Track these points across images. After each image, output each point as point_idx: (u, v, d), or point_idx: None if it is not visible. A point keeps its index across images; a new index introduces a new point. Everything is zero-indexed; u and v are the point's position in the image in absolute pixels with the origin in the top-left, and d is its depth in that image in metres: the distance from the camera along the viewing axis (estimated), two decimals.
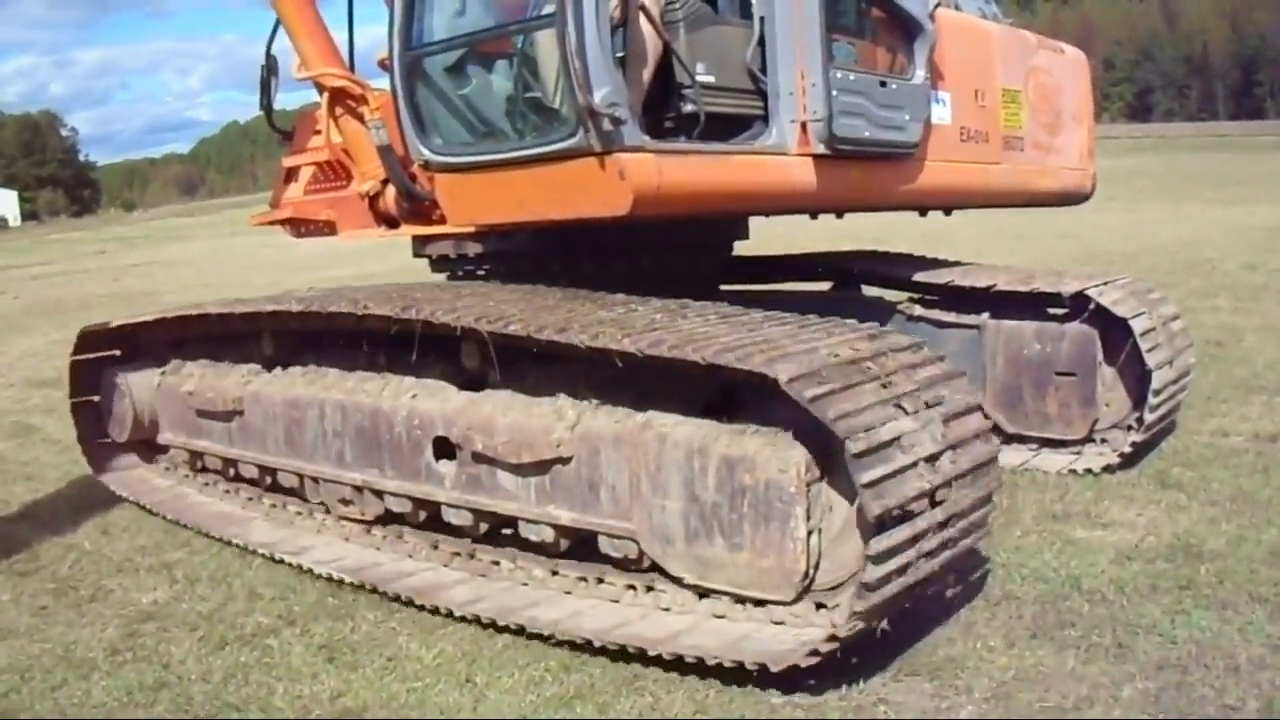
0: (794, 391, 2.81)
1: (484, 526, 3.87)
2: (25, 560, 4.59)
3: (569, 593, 3.62)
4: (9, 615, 3.99)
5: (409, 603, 3.76)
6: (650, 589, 3.44)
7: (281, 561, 4.27)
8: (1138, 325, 4.73)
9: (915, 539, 2.89)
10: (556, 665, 3.27)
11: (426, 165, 4.24)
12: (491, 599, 3.65)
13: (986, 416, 3.33)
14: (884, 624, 2.98)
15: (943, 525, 2.99)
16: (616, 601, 3.50)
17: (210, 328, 4.99)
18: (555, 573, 3.71)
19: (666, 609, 3.35)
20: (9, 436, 7.22)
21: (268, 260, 21.99)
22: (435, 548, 4.08)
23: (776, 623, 3.11)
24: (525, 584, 3.75)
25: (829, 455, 3.01)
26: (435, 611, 3.68)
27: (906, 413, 2.98)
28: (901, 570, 2.87)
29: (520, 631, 3.46)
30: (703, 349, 3.01)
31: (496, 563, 3.88)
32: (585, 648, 3.31)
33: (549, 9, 3.51)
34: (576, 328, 3.31)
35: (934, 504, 2.96)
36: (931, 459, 2.96)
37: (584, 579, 3.63)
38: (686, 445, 3.20)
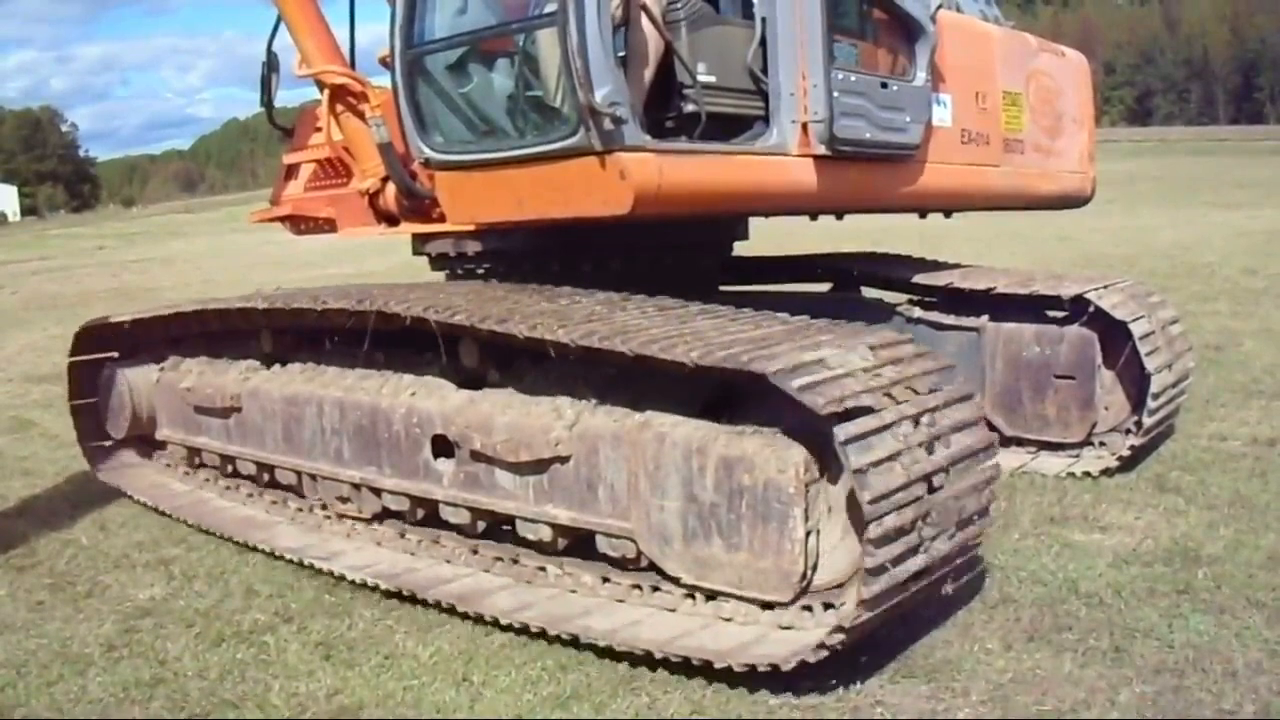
0: (708, 362, 2.95)
1: (482, 525, 3.86)
2: (22, 555, 4.58)
3: (621, 601, 3.48)
4: (5, 610, 3.99)
5: (450, 610, 3.63)
6: (711, 598, 3.26)
7: (311, 567, 4.14)
8: (1137, 329, 4.73)
9: (888, 426, 2.88)
10: (553, 664, 3.27)
11: (427, 163, 4.24)
12: (539, 607, 3.51)
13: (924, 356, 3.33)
14: (923, 527, 2.89)
15: (917, 420, 2.99)
16: (673, 611, 3.35)
17: (189, 325, 5.06)
18: (606, 580, 3.56)
19: (729, 619, 3.21)
20: (7, 431, 7.21)
21: (268, 257, 21.98)
22: (475, 553, 3.92)
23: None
24: (574, 591, 3.60)
25: (828, 457, 3.01)
26: (479, 619, 3.54)
27: (825, 346, 3.07)
28: (893, 456, 2.83)
29: (519, 629, 3.46)
30: (630, 340, 3.15)
31: (542, 569, 3.73)
32: (582, 646, 3.30)
33: (550, 8, 3.51)
34: (517, 318, 3.45)
35: (896, 400, 2.98)
36: (869, 370, 3.01)
37: (638, 587, 3.46)
38: (685, 445, 3.20)
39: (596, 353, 3.25)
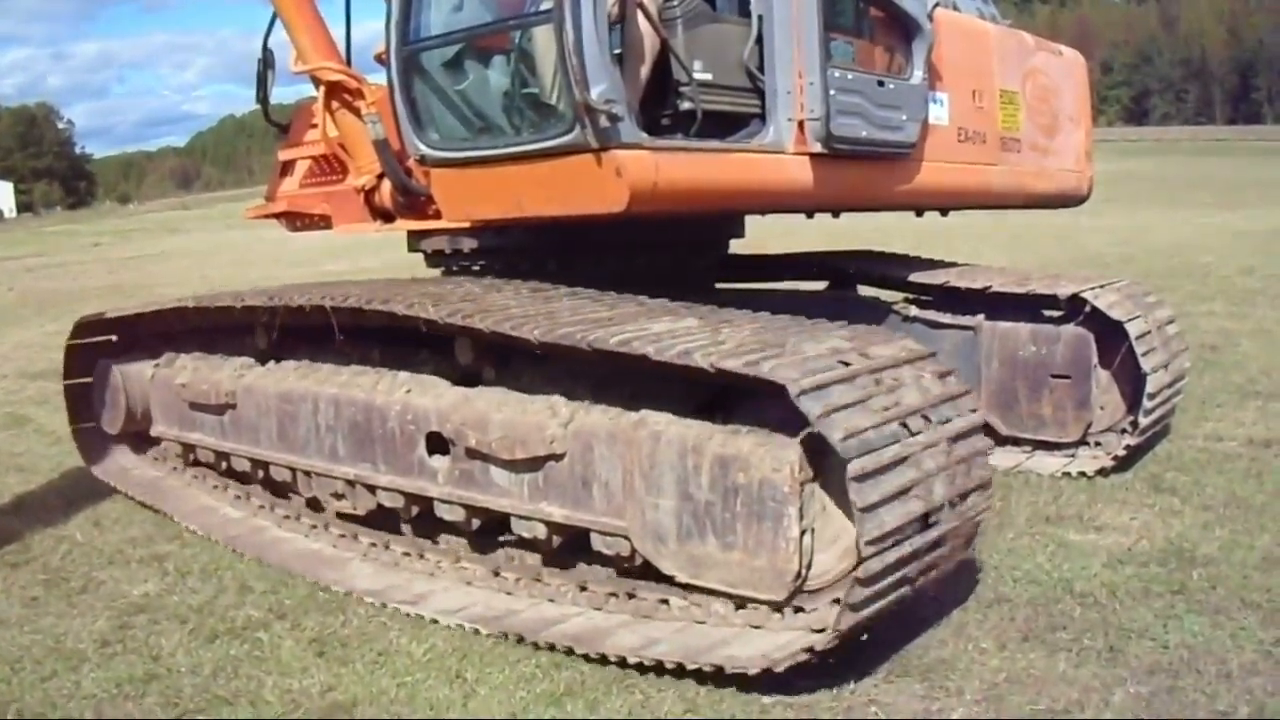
0: (549, 339, 3.23)
1: (476, 523, 3.86)
2: (16, 551, 4.57)
3: (758, 627, 3.19)
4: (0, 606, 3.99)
5: (569, 652, 3.30)
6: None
7: (396, 612, 3.75)
8: (1133, 328, 4.73)
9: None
10: (547, 662, 3.27)
11: (422, 160, 4.23)
12: (669, 641, 3.22)
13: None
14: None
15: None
16: (820, 631, 3.01)
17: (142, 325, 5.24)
18: (741, 607, 3.24)
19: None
20: (2, 428, 7.20)
21: (263, 254, 21.97)
22: (583, 589, 3.63)
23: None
24: (702, 622, 3.31)
25: (822, 456, 3.00)
26: (603, 660, 3.23)
27: (659, 321, 3.31)
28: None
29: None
30: (486, 318, 3.43)
31: (664, 601, 3.43)
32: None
33: (547, 5, 3.50)
34: (398, 299, 3.74)
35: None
36: (687, 331, 3.23)
37: (779, 611, 3.15)
38: (680, 443, 3.20)
39: (465, 330, 3.55)
